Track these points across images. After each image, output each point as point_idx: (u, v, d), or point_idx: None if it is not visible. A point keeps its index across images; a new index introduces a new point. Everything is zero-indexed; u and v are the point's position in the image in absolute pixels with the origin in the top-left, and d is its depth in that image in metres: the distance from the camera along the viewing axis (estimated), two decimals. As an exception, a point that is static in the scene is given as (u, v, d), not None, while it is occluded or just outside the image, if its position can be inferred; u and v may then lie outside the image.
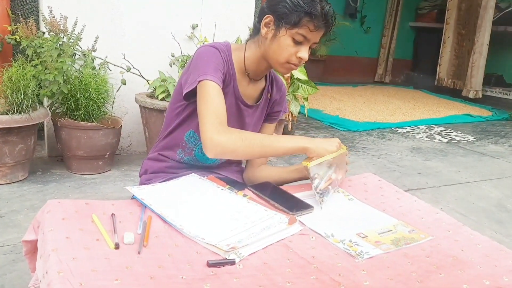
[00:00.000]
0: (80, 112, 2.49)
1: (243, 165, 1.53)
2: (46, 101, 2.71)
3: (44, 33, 2.62)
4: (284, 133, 3.61)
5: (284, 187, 1.23)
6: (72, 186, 2.46)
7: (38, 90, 2.43)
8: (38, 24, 2.81)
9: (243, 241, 0.91)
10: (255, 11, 3.34)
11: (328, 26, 1.16)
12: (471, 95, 6.38)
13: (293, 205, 1.10)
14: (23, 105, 2.33)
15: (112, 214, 0.97)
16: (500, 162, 3.67)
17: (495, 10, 6.39)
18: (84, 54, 2.63)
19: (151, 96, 2.83)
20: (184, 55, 3.05)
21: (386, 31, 7.87)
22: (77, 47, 2.59)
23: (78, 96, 2.46)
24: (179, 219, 0.98)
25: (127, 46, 2.93)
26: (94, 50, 2.66)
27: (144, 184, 1.31)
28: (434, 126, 4.86)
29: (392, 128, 4.58)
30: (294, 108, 3.09)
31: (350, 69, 7.77)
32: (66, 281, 0.74)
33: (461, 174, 3.25)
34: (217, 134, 1.10)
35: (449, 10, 6.89)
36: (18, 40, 2.61)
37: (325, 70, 7.17)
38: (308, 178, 1.17)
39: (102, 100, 2.53)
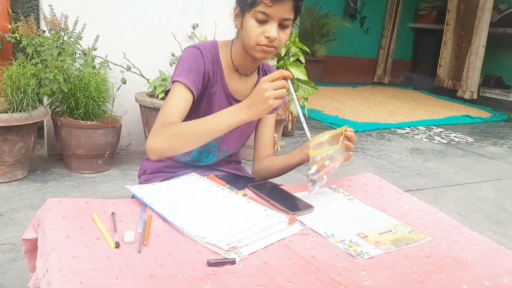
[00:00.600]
0: (80, 111, 2.49)
1: (243, 164, 1.54)
2: (46, 100, 2.71)
3: (44, 31, 2.61)
4: (284, 133, 3.61)
5: (284, 187, 1.23)
6: (71, 185, 2.46)
7: (38, 89, 2.43)
8: (38, 22, 2.81)
9: (244, 240, 0.92)
10: (255, 11, 3.33)
11: None
12: (466, 96, 6.41)
13: (293, 205, 1.10)
14: (23, 103, 2.33)
15: (112, 213, 0.97)
16: (499, 163, 3.67)
17: (494, 12, 6.41)
18: (85, 53, 2.63)
19: (151, 95, 2.83)
20: (184, 54, 3.05)
21: (386, 32, 7.88)
22: (77, 46, 2.59)
23: (78, 95, 2.46)
24: (180, 218, 0.98)
25: (127, 45, 2.93)
26: (95, 49, 2.66)
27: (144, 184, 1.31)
28: (433, 127, 4.86)
29: (392, 129, 4.58)
30: (294, 108, 3.08)
31: (350, 70, 7.78)
32: (67, 279, 0.74)
33: (460, 175, 3.25)
34: (151, 138, 1.11)
35: (450, 12, 6.91)
36: (18, 38, 2.60)
37: (324, 70, 7.17)
38: None
39: (102, 99, 2.54)
